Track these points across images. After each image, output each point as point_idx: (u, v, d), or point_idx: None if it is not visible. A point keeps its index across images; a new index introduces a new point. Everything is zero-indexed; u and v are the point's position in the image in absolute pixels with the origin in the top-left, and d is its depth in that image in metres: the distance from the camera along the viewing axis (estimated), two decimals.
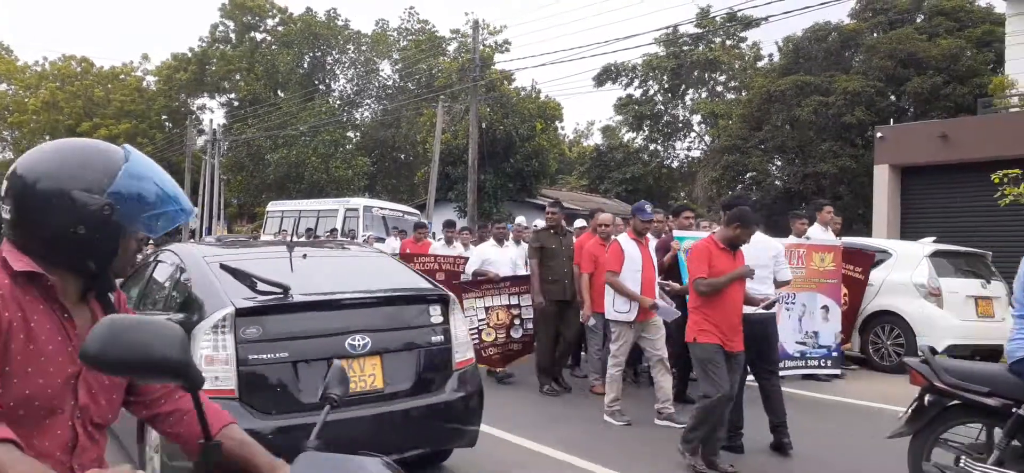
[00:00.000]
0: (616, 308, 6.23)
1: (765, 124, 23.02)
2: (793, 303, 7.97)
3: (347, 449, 1.52)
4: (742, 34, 30.78)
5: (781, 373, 7.34)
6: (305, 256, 4.49)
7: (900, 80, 20.79)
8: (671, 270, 7.07)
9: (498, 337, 8.10)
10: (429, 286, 4.61)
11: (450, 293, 4.50)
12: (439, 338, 4.28)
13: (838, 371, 8.23)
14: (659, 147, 33.10)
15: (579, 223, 9.54)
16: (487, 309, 8.11)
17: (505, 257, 8.68)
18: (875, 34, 22.85)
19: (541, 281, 7.55)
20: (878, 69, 20.97)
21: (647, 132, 32.63)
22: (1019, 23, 14.96)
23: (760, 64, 30.18)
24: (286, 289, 3.86)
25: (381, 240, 18.36)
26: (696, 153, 33.09)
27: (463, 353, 4.38)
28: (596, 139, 41.32)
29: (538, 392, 7.42)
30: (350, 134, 36.84)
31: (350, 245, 7.76)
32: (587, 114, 74.46)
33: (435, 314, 4.35)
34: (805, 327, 8.02)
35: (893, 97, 21.61)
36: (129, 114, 40.76)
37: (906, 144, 14.68)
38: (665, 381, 6.14)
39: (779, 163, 24.68)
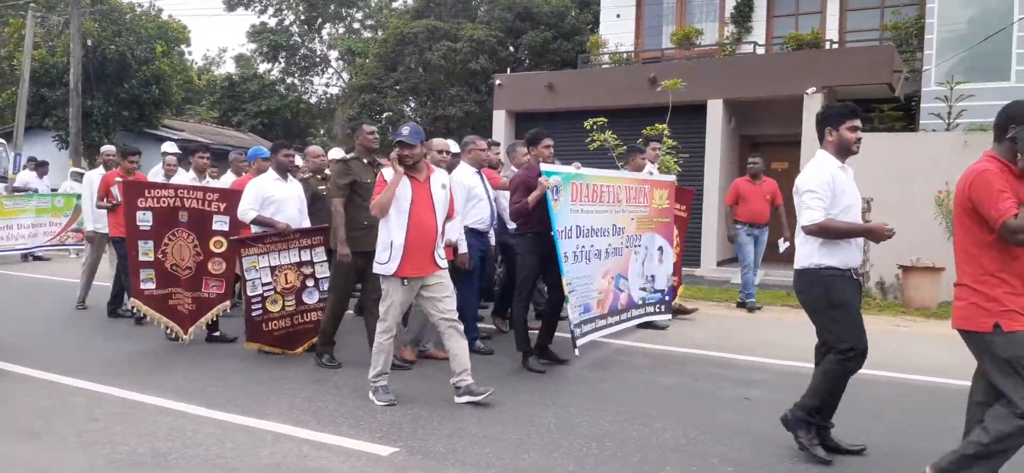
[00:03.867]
0: (378, 258, 5.04)
1: (400, 65, 23.53)
2: (639, 246, 7.12)
3: None
4: None
5: (625, 323, 6.87)
6: None
7: (518, 32, 22.62)
8: (532, 214, 5.88)
9: (286, 305, 6.36)
10: None
11: None
12: None
13: (669, 316, 7.77)
14: (296, 81, 32.12)
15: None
16: (273, 270, 6.31)
17: (293, 195, 6.57)
18: None
19: (349, 227, 5.82)
20: (499, 20, 22.56)
21: (284, 64, 31.43)
22: None
23: (395, 5, 30.69)
24: None
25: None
26: (334, 90, 32.81)
27: None
28: (229, 68, 38.79)
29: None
30: None
31: None
32: (218, 40, 69.14)
33: None
34: (646, 271, 7.25)
35: (512, 48, 23.47)
36: None
37: (520, 92, 16.07)
38: (460, 347, 5.05)
39: (413, 104, 25.49)
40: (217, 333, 6.98)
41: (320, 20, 30.96)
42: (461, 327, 5.12)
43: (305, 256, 6.45)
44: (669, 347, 7.19)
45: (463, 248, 6.21)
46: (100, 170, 8.68)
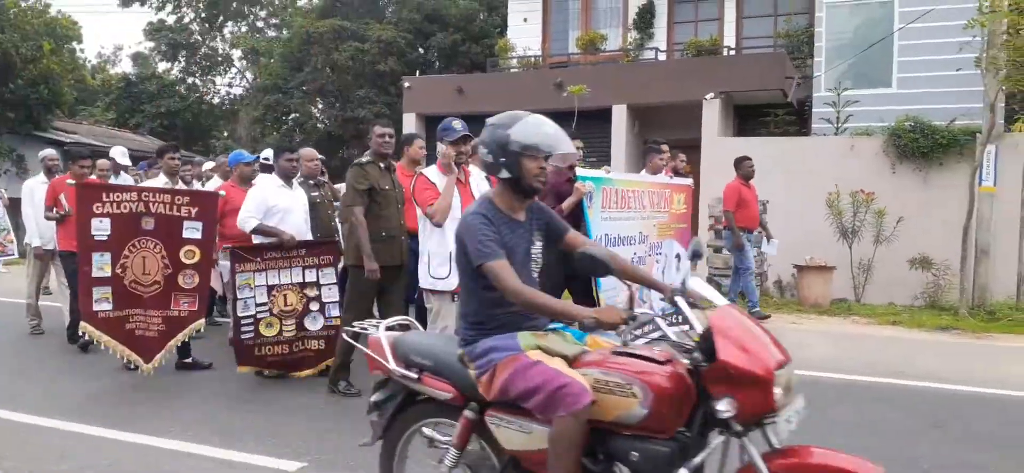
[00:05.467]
0: (433, 272, 4.57)
1: (306, 66, 23.08)
2: (660, 254, 6.72)
3: None
4: None
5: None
6: None
7: (427, 34, 22.55)
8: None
9: (284, 331, 5.71)
10: None
11: None
12: None
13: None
14: (198, 81, 31.06)
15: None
16: (271, 290, 5.68)
17: (298, 203, 6.03)
18: None
19: (371, 239, 5.23)
20: (407, 21, 22.43)
21: (184, 64, 30.36)
22: None
23: (300, 3, 30.09)
24: None
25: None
26: (238, 90, 31.89)
27: None
28: (125, 67, 37.17)
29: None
30: None
31: None
32: (113, 38, 66.07)
33: None
34: (666, 280, 6.31)
35: (422, 50, 23.37)
36: None
37: (429, 95, 16.05)
38: None
39: (321, 106, 25.04)
40: (189, 359, 6.23)
41: (221, 18, 30.04)
42: None
43: (310, 276, 5.79)
44: None
45: None
46: (41, 177, 7.82)
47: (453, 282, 4.41)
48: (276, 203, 5.84)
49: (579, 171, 5.54)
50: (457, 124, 4.64)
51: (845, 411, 5.32)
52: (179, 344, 5.93)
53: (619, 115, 13.78)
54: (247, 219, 5.75)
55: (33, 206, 7.64)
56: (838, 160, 11.59)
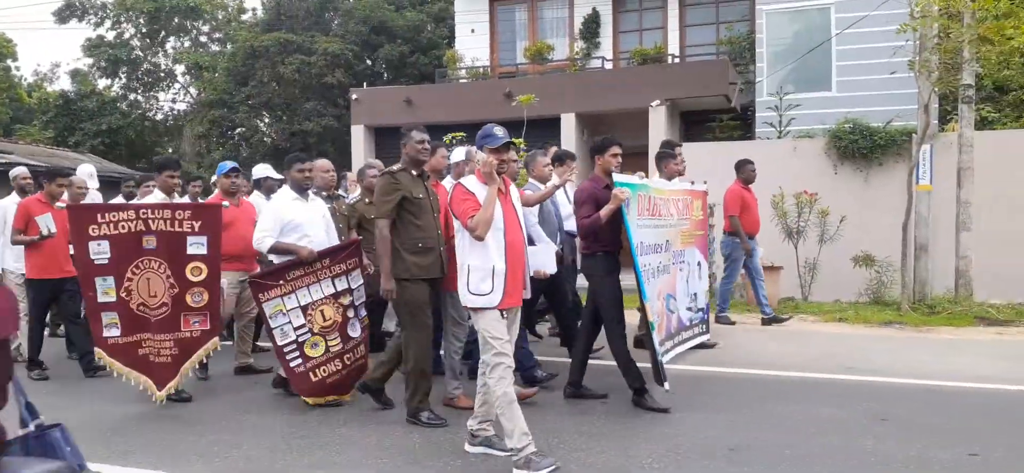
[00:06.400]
0: (473, 288, 4.18)
1: (251, 80, 22.78)
2: (683, 262, 6.57)
3: None
4: None
5: (678, 349, 6.32)
6: None
7: (374, 46, 22.45)
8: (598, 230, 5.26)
9: (331, 346, 5.39)
10: None
11: None
12: None
13: (709, 335, 7.29)
14: (140, 97, 30.36)
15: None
16: (306, 309, 5.34)
17: (317, 216, 5.73)
18: None
19: (407, 251, 4.91)
20: (354, 34, 22.31)
21: (125, 80, 29.64)
22: (464, 4, 17.32)
23: (244, 18, 29.69)
24: None
25: None
26: (182, 106, 31.28)
27: None
28: (64, 84, 36.12)
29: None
30: None
31: None
32: (50, 54, 64.22)
33: None
34: (690, 289, 6.73)
35: (369, 62, 23.25)
36: None
37: (377, 106, 15.96)
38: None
39: (268, 119, 24.71)
40: (204, 375, 6.16)
41: (163, 33, 29.44)
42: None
43: (341, 284, 5.47)
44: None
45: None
46: (14, 198, 7.24)
47: (496, 298, 4.13)
48: (293, 218, 5.56)
49: (616, 177, 5.28)
50: (499, 131, 4.25)
51: (795, 408, 5.42)
52: (196, 365, 5.71)
53: (568, 123, 13.89)
54: (262, 238, 5.51)
55: (1, 229, 7.18)
56: (782, 162, 11.84)
